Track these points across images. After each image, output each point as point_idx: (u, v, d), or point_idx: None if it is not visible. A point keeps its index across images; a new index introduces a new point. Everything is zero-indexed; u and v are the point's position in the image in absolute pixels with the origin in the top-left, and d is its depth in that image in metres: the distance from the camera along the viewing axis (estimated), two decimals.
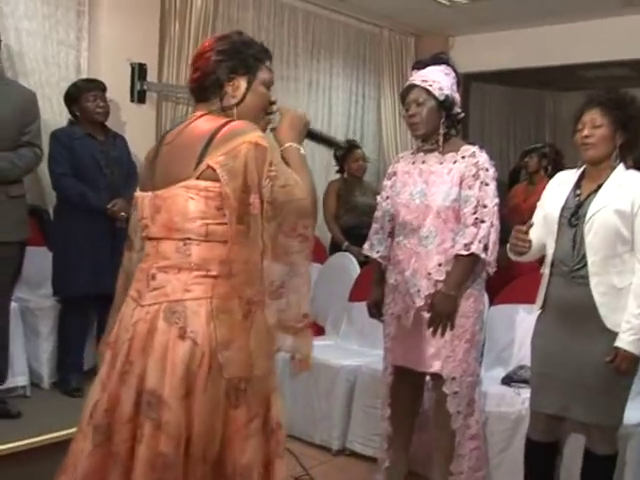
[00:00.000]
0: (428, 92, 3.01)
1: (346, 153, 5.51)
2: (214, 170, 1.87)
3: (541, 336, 2.90)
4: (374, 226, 3.33)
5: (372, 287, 3.36)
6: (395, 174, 3.24)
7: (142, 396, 1.88)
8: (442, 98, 3.03)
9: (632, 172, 2.78)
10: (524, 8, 6.13)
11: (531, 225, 2.80)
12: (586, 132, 2.75)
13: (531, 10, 6.22)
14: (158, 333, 1.89)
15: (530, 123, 8.95)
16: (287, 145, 2.05)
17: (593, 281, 2.69)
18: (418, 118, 3.04)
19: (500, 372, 3.65)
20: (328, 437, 3.90)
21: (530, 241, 2.79)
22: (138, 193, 2.09)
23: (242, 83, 2.05)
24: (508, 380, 3.49)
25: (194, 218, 1.91)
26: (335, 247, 5.44)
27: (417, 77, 3.08)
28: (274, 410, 2.00)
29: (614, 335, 2.68)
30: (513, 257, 2.94)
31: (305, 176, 1.99)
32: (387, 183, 3.29)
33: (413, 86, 3.06)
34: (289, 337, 2.00)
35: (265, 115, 2.13)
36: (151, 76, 4.92)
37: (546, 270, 2.86)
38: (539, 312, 2.91)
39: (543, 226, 2.85)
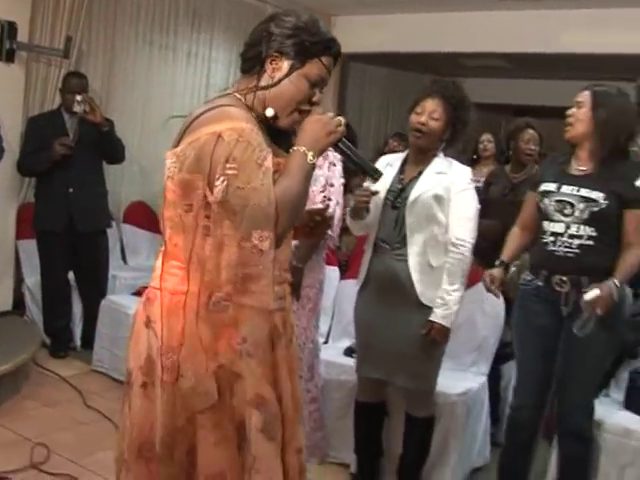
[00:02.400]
0: None
1: None
2: None
3: (362, 309, 3.13)
4: None
5: None
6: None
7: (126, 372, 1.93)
8: None
9: (451, 161, 3.04)
10: None
11: (375, 192, 2.91)
12: (423, 119, 2.95)
13: None
14: (138, 316, 1.90)
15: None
16: (294, 148, 1.82)
17: (412, 260, 2.93)
18: None
19: (346, 343, 3.86)
20: None
21: (369, 207, 2.93)
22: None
23: (284, 66, 1.83)
24: (349, 351, 3.69)
25: (168, 206, 1.82)
26: None
27: None
28: (252, 421, 1.80)
29: (429, 310, 2.93)
30: (350, 222, 3.10)
31: (294, 183, 1.77)
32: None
33: None
34: (236, 357, 1.81)
35: (297, 112, 1.87)
36: (22, 35, 4.81)
37: (369, 248, 3.07)
38: (360, 286, 3.12)
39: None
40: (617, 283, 2.66)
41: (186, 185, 1.75)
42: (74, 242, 4.73)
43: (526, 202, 3.09)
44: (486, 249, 4.16)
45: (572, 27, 6.11)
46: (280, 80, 1.83)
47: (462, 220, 2.97)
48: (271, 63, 1.84)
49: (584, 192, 2.78)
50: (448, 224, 2.96)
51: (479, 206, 3.06)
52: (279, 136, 1.92)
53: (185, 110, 6.02)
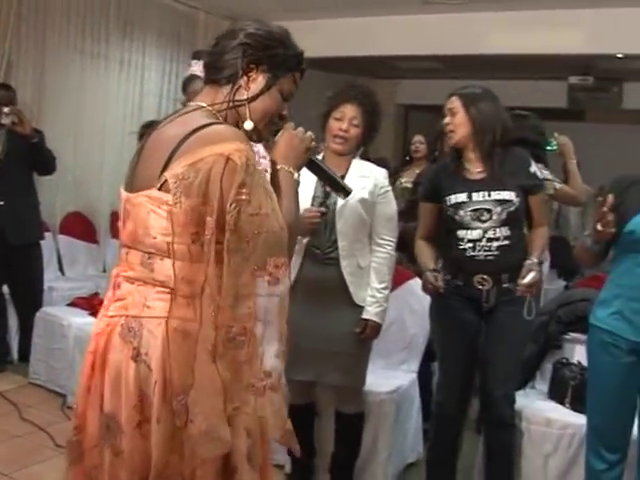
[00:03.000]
0: None
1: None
2: None
3: (292, 311, 3.17)
4: None
5: None
6: None
7: (102, 418, 1.70)
8: None
9: (368, 164, 3.13)
10: None
11: (324, 213, 2.98)
12: (345, 126, 3.02)
13: (344, 1, 6.48)
14: (113, 350, 1.69)
15: None
16: (279, 167, 1.78)
17: (343, 263, 3.00)
18: None
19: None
20: None
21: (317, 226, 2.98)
22: (121, 190, 1.80)
23: (260, 79, 1.78)
24: None
25: (154, 234, 1.65)
26: None
27: (199, 68, 3.14)
28: (240, 448, 1.66)
29: (361, 309, 3.02)
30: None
31: (291, 205, 1.75)
32: None
33: (196, 77, 3.20)
34: (251, 397, 1.66)
35: (269, 125, 1.83)
36: None
37: (299, 254, 3.09)
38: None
39: None
40: (535, 260, 2.84)
41: (194, 211, 1.60)
42: (6, 255, 4.68)
43: (423, 215, 3.16)
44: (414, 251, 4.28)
45: (498, 29, 6.27)
46: (260, 93, 1.78)
47: (385, 220, 3.07)
48: (247, 75, 1.78)
49: (495, 195, 2.88)
50: (373, 225, 3.05)
51: (405, 207, 3.17)
52: None
53: (119, 118, 6.09)
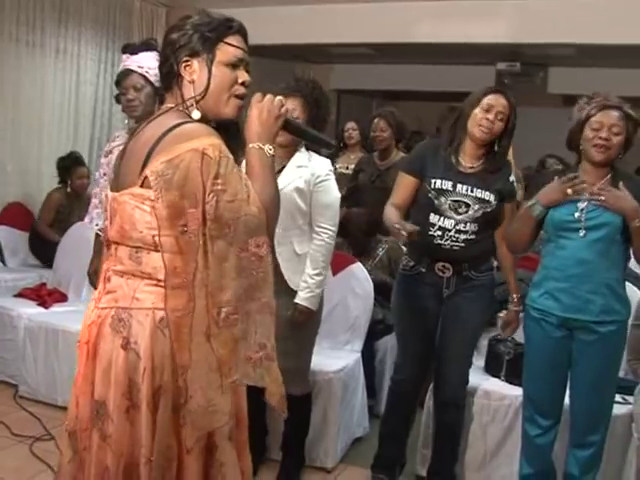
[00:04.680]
0: (145, 78, 3.12)
1: (71, 166, 5.54)
2: None
3: None
4: (93, 201, 3.48)
5: (92, 257, 3.41)
6: (111, 152, 3.30)
7: (93, 404, 1.81)
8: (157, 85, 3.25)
9: (311, 154, 3.22)
10: None
11: None
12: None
13: None
14: (104, 340, 1.80)
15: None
16: (249, 146, 1.84)
17: (278, 249, 3.05)
18: (137, 102, 3.14)
19: None
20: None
21: None
22: (107, 191, 1.93)
23: (196, 65, 1.84)
24: None
25: (141, 228, 1.77)
26: None
27: (132, 62, 3.17)
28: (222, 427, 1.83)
29: (295, 293, 3.13)
30: None
31: (265, 184, 1.81)
32: (104, 160, 3.38)
33: (131, 71, 3.15)
34: (250, 369, 1.79)
35: (233, 98, 1.88)
36: None
37: None
38: None
39: None
40: (516, 299, 3.14)
41: (176, 205, 1.71)
42: None
43: (401, 185, 3.19)
44: (356, 237, 4.49)
45: (428, 18, 6.43)
46: (208, 79, 1.84)
47: (322, 209, 3.15)
48: (185, 69, 1.85)
49: (477, 193, 3.03)
50: (311, 214, 3.15)
51: (339, 195, 3.24)
52: (235, 140, 1.93)
53: (56, 107, 6.06)
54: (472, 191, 3.04)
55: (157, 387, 1.76)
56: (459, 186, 3.05)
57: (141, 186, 1.77)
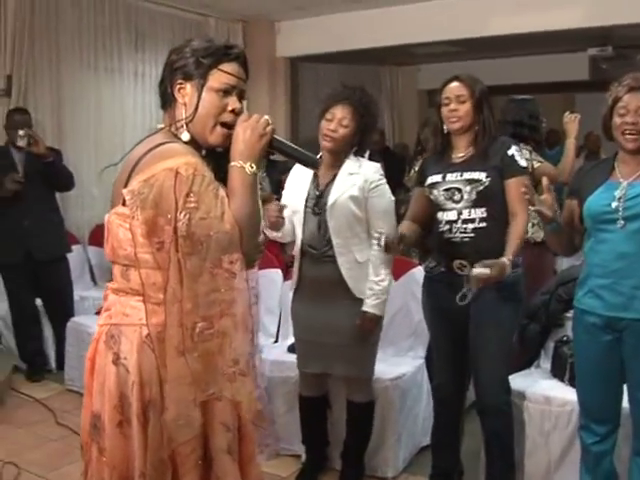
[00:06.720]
0: None
1: None
2: None
3: (299, 309, 3.33)
4: None
5: None
6: None
7: (91, 418, 1.90)
8: None
9: (361, 160, 3.20)
10: None
11: (284, 206, 3.06)
12: (333, 127, 3.12)
13: None
14: (99, 356, 1.88)
15: None
16: (231, 164, 1.86)
17: (340, 259, 3.12)
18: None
19: (292, 340, 4.03)
20: None
21: (283, 218, 3.04)
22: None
23: (189, 89, 1.89)
24: (292, 348, 3.85)
25: (125, 246, 1.83)
26: None
27: None
28: (216, 440, 1.88)
29: (361, 301, 3.13)
30: (269, 233, 3.13)
31: (243, 202, 1.82)
32: None
33: None
34: (227, 382, 1.81)
35: (219, 126, 1.91)
36: None
37: (297, 253, 3.26)
38: (294, 290, 3.32)
39: (291, 214, 3.20)
40: (508, 260, 2.80)
41: (152, 223, 1.74)
42: (35, 271, 4.93)
43: (414, 198, 3.25)
44: None
45: (506, 9, 6.29)
46: (197, 104, 1.87)
47: (379, 214, 3.14)
48: (179, 91, 1.89)
49: (467, 175, 2.95)
50: (368, 219, 3.14)
51: (393, 198, 3.22)
52: (221, 162, 1.94)
53: (137, 129, 6.27)
54: (461, 175, 2.98)
55: (147, 401, 1.81)
56: (448, 175, 3.01)
57: (123, 205, 1.82)
